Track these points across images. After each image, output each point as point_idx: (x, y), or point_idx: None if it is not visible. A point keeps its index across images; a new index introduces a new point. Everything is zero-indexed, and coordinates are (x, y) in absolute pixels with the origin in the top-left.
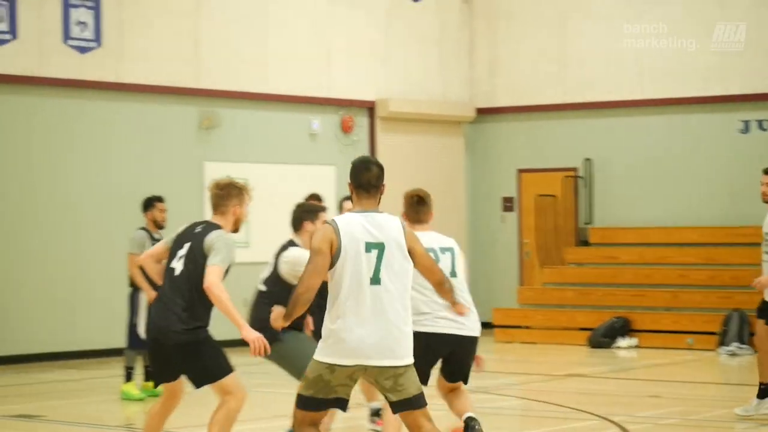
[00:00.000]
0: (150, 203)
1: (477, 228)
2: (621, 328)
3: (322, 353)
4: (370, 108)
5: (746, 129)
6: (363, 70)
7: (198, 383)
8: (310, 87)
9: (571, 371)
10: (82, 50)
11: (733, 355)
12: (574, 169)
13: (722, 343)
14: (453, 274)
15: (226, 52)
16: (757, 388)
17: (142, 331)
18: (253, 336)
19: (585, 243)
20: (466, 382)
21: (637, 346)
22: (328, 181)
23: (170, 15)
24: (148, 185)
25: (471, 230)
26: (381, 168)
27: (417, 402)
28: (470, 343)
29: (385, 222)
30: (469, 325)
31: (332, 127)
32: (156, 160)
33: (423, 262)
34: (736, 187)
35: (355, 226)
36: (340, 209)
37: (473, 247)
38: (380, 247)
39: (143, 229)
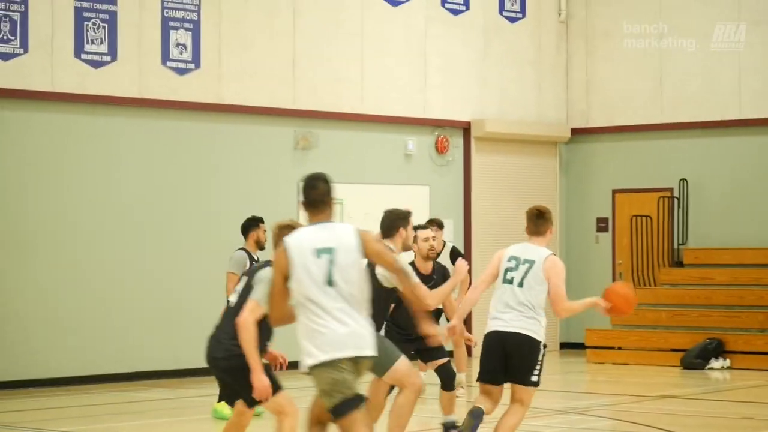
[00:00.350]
0: (253, 224)
1: (571, 248)
2: (714, 349)
3: (322, 355)
4: (465, 128)
5: None
6: (459, 89)
7: (249, 403)
8: (405, 107)
9: (663, 392)
10: (181, 72)
11: None
12: (670, 190)
13: None
14: (520, 284)
15: (323, 72)
16: None
17: None
18: (263, 383)
19: (679, 264)
20: (521, 382)
21: (730, 368)
22: (423, 201)
23: (268, 35)
24: (244, 205)
25: (565, 250)
26: (328, 183)
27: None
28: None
29: (337, 228)
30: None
31: (427, 147)
32: (253, 180)
33: (381, 259)
34: None
35: (304, 237)
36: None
37: (567, 267)
38: (330, 252)
39: (243, 249)
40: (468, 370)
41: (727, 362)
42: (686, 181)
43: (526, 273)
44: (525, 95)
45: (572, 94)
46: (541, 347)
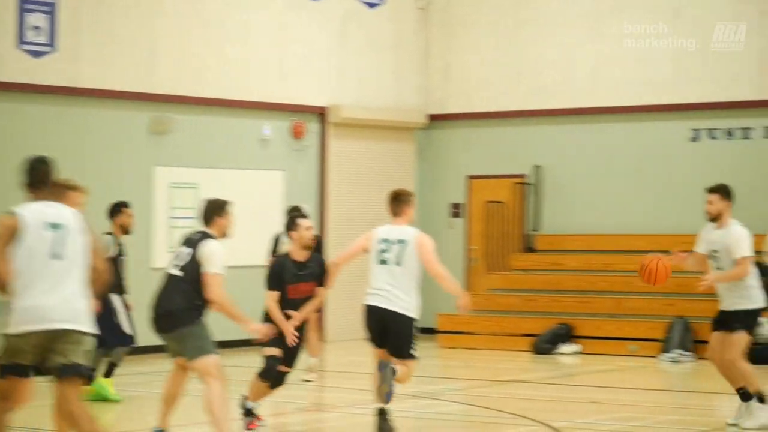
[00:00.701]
0: (117, 209)
1: (425, 233)
2: (564, 334)
3: (13, 325)
4: (322, 114)
5: (697, 137)
6: (316, 75)
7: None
8: (262, 92)
9: (513, 377)
10: (36, 54)
11: (675, 362)
12: (524, 176)
13: (665, 350)
14: (398, 263)
15: (180, 56)
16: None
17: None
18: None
19: (531, 249)
20: (401, 357)
21: (580, 353)
22: (278, 186)
23: (126, 20)
24: (99, 189)
25: None
26: (48, 165)
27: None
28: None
29: (62, 209)
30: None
31: (283, 132)
32: (107, 164)
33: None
34: (684, 196)
35: (34, 211)
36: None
37: None
38: (58, 227)
39: (109, 233)
40: (320, 356)
41: (577, 347)
42: (540, 168)
43: (402, 252)
44: (383, 81)
45: (430, 81)
46: (414, 323)
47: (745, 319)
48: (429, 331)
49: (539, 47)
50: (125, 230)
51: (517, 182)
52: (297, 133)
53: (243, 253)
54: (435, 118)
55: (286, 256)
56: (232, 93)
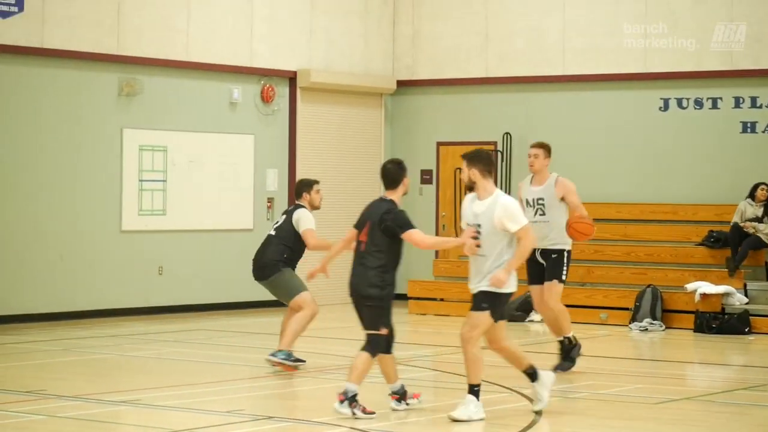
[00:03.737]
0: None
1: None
2: None
3: None
4: (291, 78)
5: (666, 107)
6: (285, 39)
7: None
8: (231, 55)
9: (483, 344)
10: (3, 15)
11: (644, 330)
12: (494, 143)
13: (634, 318)
14: None
15: (148, 18)
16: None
17: None
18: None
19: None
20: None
21: None
22: (247, 150)
23: None
24: (67, 150)
25: None
26: None
27: None
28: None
29: None
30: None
31: (253, 96)
32: (76, 125)
33: None
34: (653, 165)
35: None
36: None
37: None
38: None
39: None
40: None
41: None
42: (510, 135)
43: None
44: (352, 47)
45: (399, 46)
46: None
47: None
48: (400, 297)
49: (507, 14)
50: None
51: (487, 149)
52: (266, 97)
53: (213, 217)
54: (404, 84)
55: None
56: (201, 56)
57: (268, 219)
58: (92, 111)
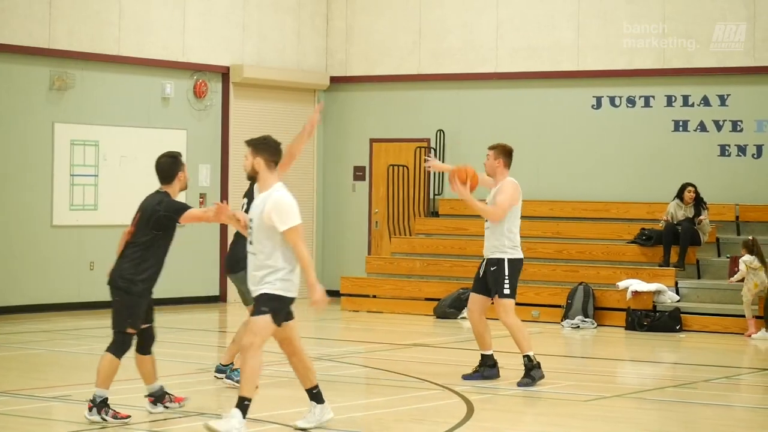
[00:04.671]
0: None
1: (328, 196)
2: (467, 299)
3: None
4: (224, 73)
5: (598, 105)
6: (218, 34)
7: None
8: (164, 50)
9: (415, 341)
10: None
11: (576, 328)
12: (427, 140)
13: (566, 316)
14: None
15: (80, 12)
16: (598, 361)
17: None
18: None
19: (435, 214)
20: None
21: None
22: (180, 145)
23: None
24: None
25: (322, 198)
26: None
27: None
28: None
29: None
30: None
31: (185, 91)
32: (6, 120)
33: None
34: (585, 163)
35: None
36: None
37: (323, 214)
38: None
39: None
40: None
41: None
42: (443, 132)
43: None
44: (285, 42)
45: (332, 42)
46: None
47: None
48: (332, 293)
49: (441, 10)
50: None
51: (420, 146)
52: (199, 93)
53: None
54: (337, 80)
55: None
56: (133, 50)
57: None
58: (23, 105)
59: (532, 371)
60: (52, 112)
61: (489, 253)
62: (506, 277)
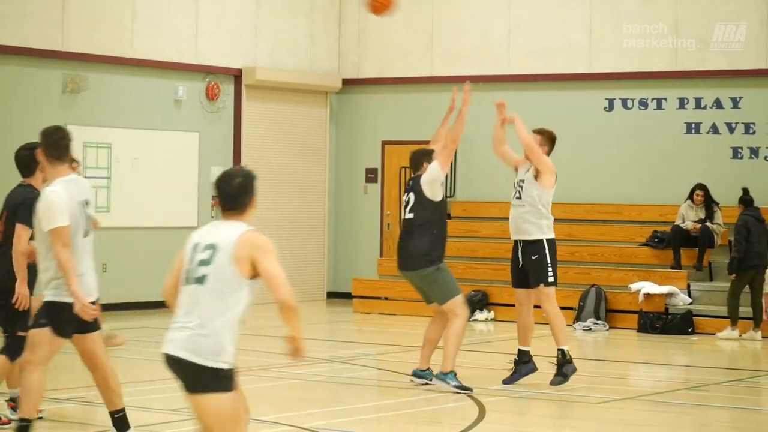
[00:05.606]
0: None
1: (340, 198)
2: (479, 301)
3: None
4: (236, 76)
5: (611, 107)
6: (231, 36)
7: None
8: (177, 52)
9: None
10: None
11: (588, 330)
12: None
13: (578, 318)
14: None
15: (93, 14)
16: (610, 363)
17: None
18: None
19: (447, 216)
20: None
21: (494, 320)
22: (192, 148)
23: None
24: (11, 147)
25: (334, 201)
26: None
27: None
28: None
29: None
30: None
31: (197, 93)
32: (19, 123)
33: None
34: (597, 165)
35: None
36: None
37: (336, 217)
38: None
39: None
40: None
41: (492, 314)
42: None
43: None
44: (297, 45)
45: (345, 44)
46: None
47: None
48: (345, 296)
49: (455, 13)
50: None
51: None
52: (211, 95)
53: (157, 215)
54: (349, 83)
55: None
56: (146, 53)
57: (212, 216)
58: (36, 107)
59: (564, 367)
60: (65, 114)
61: (524, 233)
62: (549, 265)
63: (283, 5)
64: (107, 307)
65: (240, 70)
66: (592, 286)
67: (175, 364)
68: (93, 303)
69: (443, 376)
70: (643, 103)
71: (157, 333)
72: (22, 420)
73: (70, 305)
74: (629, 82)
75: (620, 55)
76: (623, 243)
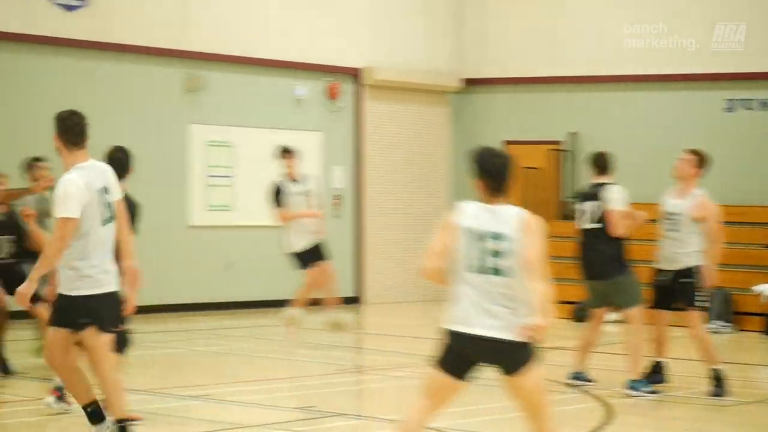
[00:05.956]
0: None
1: (459, 199)
2: None
3: None
4: (355, 75)
5: (731, 108)
6: (350, 36)
7: None
8: (296, 52)
9: (553, 344)
10: (70, 8)
11: (716, 332)
12: (559, 143)
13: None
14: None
15: (215, 14)
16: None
17: None
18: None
19: (568, 217)
20: None
21: (622, 321)
22: (314, 146)
23: None
24: (132, 147)
25: (453, 201)
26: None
27: None
28: None
29: None
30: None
31: (317, 93)
32: (141, 121)
33: None
34: (719, 167)
35: None
36: None
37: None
38: None
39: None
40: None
41: (618, 315)
42: (576, 134)
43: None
44: (416, 44)
45: (464, 44)
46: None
47: None
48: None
49: (574, 12)
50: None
51: (552, 149)
52: (332, 94)
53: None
54: (470, 83)
55: None
56: (266, 53)
57: (335, 216)
58: (158, 106)
59: (719, 382)
60: (187, 113)
61: (683, 260)
62: (698, 288)
63: (402, 5)
64: (232, 306)
65: (358, 70)
66: (719, 288)
67: (491, 345)
68: (112, 294)
69: (634, 383)
70: (765, 104)
71: (278, 331)
72: (119, 421)
73: (77, 298)
74: (749, 83)
75: (740, 56)
76: (747, 245)
